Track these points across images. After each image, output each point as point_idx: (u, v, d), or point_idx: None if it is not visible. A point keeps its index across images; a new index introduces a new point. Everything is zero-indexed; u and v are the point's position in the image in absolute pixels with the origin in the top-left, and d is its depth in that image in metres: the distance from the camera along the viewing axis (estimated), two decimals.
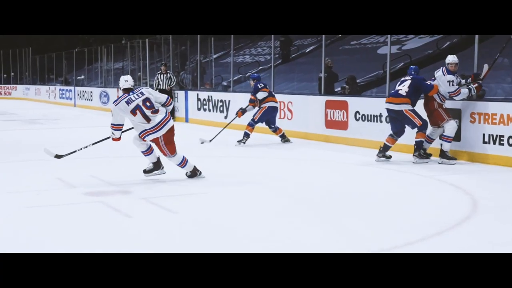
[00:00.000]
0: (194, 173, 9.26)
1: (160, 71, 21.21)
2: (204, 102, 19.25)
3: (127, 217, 6.95)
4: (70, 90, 33.22)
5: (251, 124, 13.81)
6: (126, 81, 9.13)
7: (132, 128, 9.30)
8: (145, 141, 9.07)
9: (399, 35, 21.05)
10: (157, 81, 21.08)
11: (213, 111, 18.69)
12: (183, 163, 9.15)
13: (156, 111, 8.97)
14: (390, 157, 10.67)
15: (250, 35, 28.45)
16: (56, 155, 9.33)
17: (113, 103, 9.03)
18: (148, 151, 9.18)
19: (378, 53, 20.75)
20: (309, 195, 8.18)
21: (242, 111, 14.33)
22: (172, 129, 9.06)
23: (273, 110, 13.96)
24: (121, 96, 8.99)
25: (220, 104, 18.20)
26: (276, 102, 14.04)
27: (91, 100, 29.55)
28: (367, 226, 6.50)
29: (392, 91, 10.60)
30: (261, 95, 13.75)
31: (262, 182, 9.19)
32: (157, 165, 9.30)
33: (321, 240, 5.99)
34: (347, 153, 11.64)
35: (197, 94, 19.89)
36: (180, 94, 21.09)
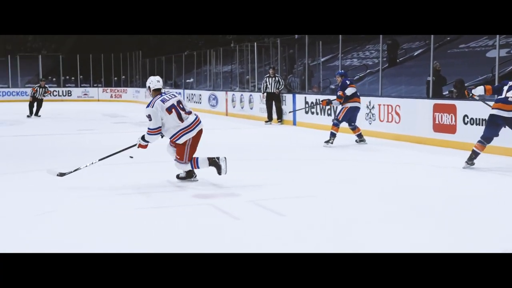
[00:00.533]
0: (217, 164, 9.08)
1: (268, 74, 21.47)
2: (312, 105, 19.34)
3: (235, 219, 7.05)
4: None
5: (336, 124, 14.11)
6: (158, 81, 9.21)
7: (134, 146, 9.35)
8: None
9: (508, 38, 20.74)
10: (265, 84, 21.31)
11: (321, 114, 18.78)
12: (194, 166, 9.14)
13: (189, 112, 9.07)
14: (473, 164, 10.45)
15: (358, 39, 28.37)
16: (59, 173, 9.20)
17: (148, 107, 9.00)
18: (194, 166, 9.16)
19: (486, 56, 20.44)
20: (414, 199, 8.21)
21: (327, 102, 15.00)
22: (201, 132, 9.15)
23: (355, 109, 14.23)
24: (153, 99, 9.02)
25: (327, 107, 18.25)
26: (359, 103, 14.29)
27: (200, 103, 29.93)
28: (478, 230, 6.54)
29: (500, 97, 10.30)
30: (350, 91, 14.03)
31: (369, 185, 9.26)
32: (190, 174, 9.39)
33: (428, 241, 6.05)
34: (456, 157, 11.52)
35: (305, 97, 20.00)
36: (288, 97, 21.24)
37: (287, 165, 11.43)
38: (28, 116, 25.54)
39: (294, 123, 20.55)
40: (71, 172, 9.24)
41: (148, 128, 9.01)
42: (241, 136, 17.42)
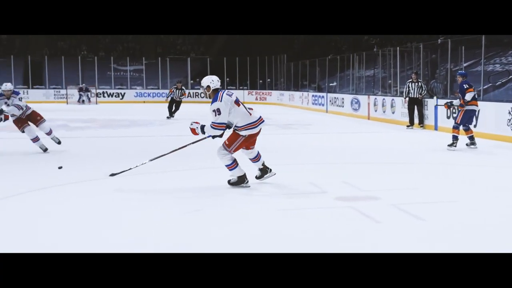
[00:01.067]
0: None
1: (410, 79, 21.52)
2: (453, 111, 19.29)
3: (376, 222, 7.10)
4: (323, 97, 33.99)
5: (456, 127, 14.55)
6: (218, 80, 9.28)
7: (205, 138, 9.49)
8: (234, 149, 9.16)
9: None
10: (407, 89, 21.41)
11: None
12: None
13: (251, 109, 9.29)
14: None
15: (501, 44, 27.97)
16: (111, 174, 9.79)
17: (215, 102, 8.95)
18: (232, 165, 9.19)
19: None
20: None
21: (449, 105, 15.76)
22: (259, 132, 9.32)
23: (471, 112, 14.65)
24: (218, 94, 9.04)
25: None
26: (477, 106, 14.76)
27: (343, 106, 30.20)
28: None
29: None
30: (469, 95, 14.50)
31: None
32: (242, 179, 9.30)
33: None
34: None
35: (447, 103, 19.92)
36: (430, 102, 21.28)
37: (426, 169, 11.54)
38: (167, 118, 26.32)
39: (436, 128, 20.58)
40: (122, 172, 9.82)
41: (213, 122, 8.95)
42: (382, 140, 17.65)
